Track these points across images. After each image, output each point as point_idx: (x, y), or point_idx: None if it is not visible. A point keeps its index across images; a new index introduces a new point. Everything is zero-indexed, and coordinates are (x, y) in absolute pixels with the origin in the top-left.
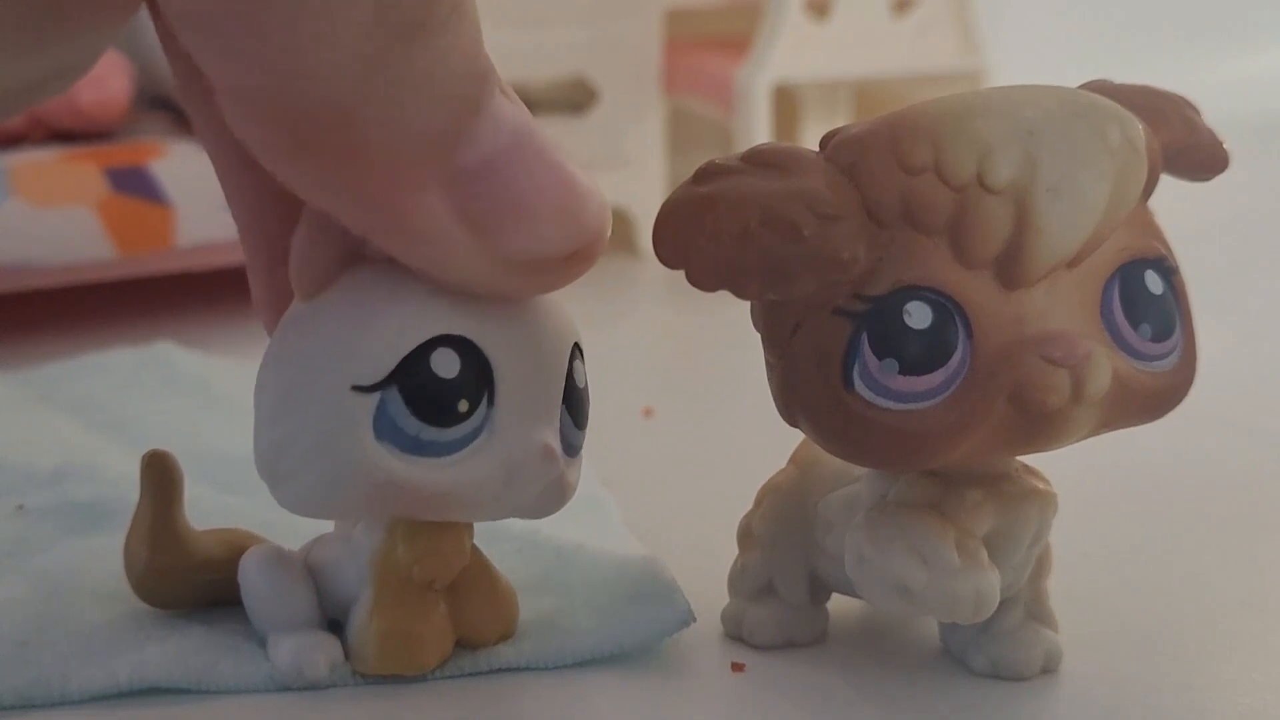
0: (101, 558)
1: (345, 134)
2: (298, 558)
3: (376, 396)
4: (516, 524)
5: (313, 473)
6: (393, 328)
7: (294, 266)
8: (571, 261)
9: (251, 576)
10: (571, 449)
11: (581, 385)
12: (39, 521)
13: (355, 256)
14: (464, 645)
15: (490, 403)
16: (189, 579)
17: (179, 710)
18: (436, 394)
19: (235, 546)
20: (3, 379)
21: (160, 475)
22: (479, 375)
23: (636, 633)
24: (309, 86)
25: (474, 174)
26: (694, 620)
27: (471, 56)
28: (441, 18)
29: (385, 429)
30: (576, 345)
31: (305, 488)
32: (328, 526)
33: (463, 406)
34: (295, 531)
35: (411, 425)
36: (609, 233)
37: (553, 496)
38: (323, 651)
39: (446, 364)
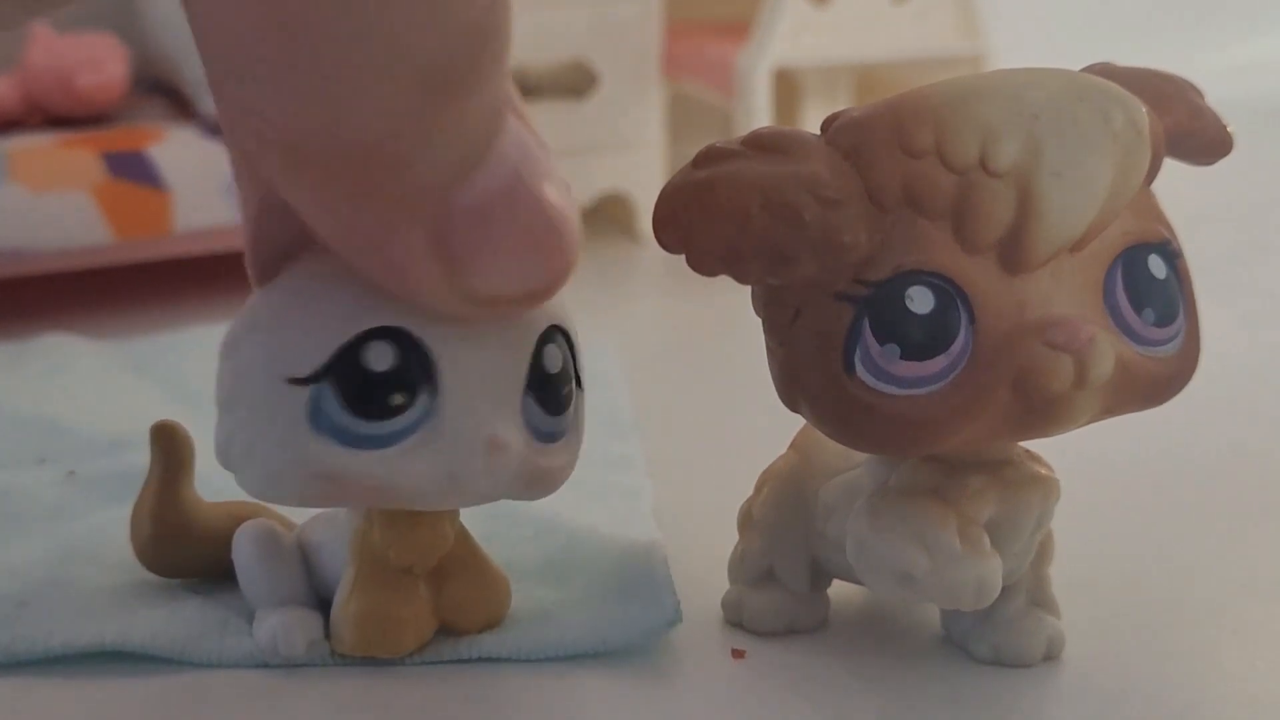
0: (128, 527)
1: (354, 175)
2: (291, 535)
3: (311, 389)
4: (538, 507)
5: (258, 463)
6: (327, 320)
7: (247, 249)
8: (531, 299)
9: (242, 551)
10: (545, 435)
11: (555, 370)
12: (85, 488)
13: (306, 241)
14: (448, 630)
15: (433, 394)
16: (191, 549)
17: (159, 680)
18: (369, 388)
19: (240, 519)
20: (100, 347)
21: (168, 445)
22: (418, 367)
23: (622, 631)
24: (331, 133)
25: (462, 214)
26: (680, 621)
27: (495, 102)
28: (483, 73)
29: (322, 422)
30: (555, 328)
31: (255, 478)
32: None
33: (397, 400)
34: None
35: (345, 418)
36: (573, 271)
37: (528, 482)
38: (302, 630)
39: (380, 357)
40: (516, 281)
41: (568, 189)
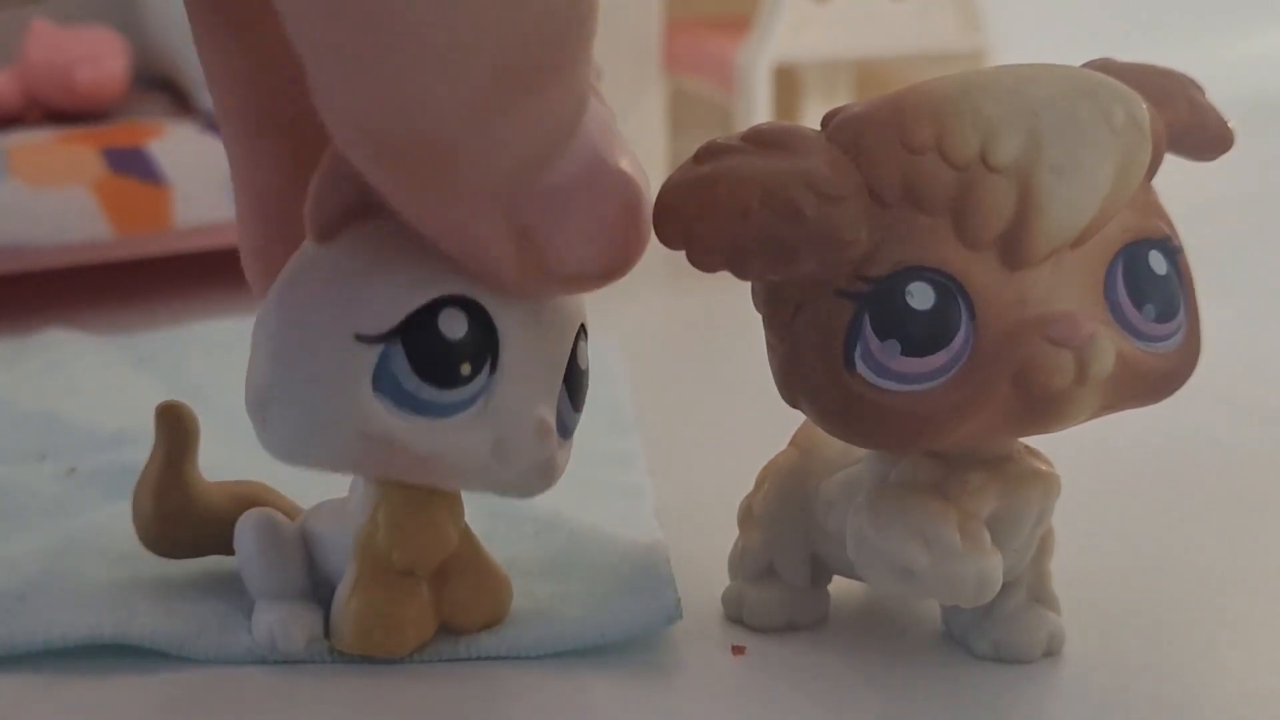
0: (130, 521)
1: (441, 164)
2: (294, 525)
3: (379, 348)
4: (539, 505)
5: (304, 417)
6: (404, 281)
7: (310, 206)
8: (610, 276)
9: (244, 542)
10: (565, 430)
11: (584, 367)
12: (86, 484)
13: (371, 204)
14: (449, 630)
15: (492, 370)
16: (193, 529)
17: (157, 677)
18: (441, 353)
19: (243, 499)
20: (101, 342)
21: (173, 425)
22: (485, 340)
23: (622, 627)
24: (417, 125)
25: (543, 199)
26: (680, 617)
27: (581, 91)
28: (565, 63)
29: (384, 383)
30: (583, 326)
31: (294, 432)
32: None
33: (465, 369)
34: (321, 496)
35: (411, 382)
36: (645, 250)
37: (539, 476)
38: (301, 626)
39: (454, 324)
40: (597, 260)
41: (640, 164)
